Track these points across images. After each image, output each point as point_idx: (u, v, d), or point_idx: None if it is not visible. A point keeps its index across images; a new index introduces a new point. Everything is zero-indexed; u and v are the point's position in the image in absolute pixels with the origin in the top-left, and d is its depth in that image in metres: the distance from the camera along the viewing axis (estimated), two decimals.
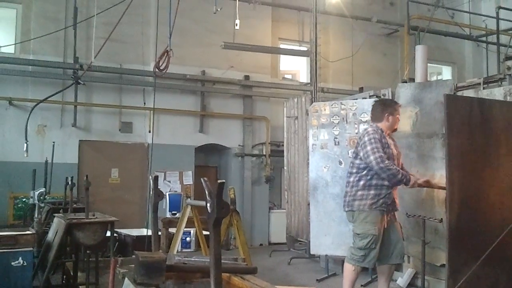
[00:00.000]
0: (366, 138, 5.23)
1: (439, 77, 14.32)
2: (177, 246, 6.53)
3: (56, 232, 5.93)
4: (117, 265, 3.16)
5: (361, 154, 5.21)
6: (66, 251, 6.47)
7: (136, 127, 10.76)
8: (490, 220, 5.15)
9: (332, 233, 7.17)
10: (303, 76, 12.89)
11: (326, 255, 7.80)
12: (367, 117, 6.69)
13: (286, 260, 8.96)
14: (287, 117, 9.57)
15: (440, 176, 6.24)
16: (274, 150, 11.65)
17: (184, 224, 6.61)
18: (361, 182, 5.24)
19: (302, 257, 9.13)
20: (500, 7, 11.95)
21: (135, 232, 8.23)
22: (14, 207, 9.45)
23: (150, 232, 6.43)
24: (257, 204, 11.53)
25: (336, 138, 7.34)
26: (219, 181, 2.28)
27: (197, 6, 10.42)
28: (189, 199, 7.10)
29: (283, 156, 9.87)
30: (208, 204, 2.27)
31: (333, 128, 7.48)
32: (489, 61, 13.37)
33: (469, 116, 5.13)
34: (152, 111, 9.84)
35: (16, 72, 9.75)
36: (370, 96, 7.85)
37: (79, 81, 9.15)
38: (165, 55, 6.56)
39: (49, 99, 9.24)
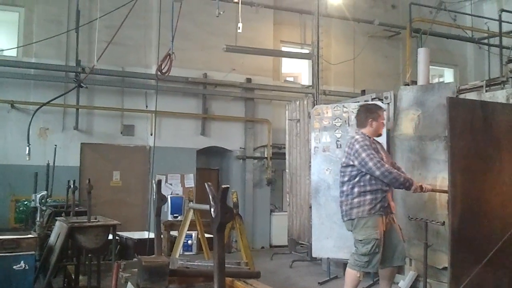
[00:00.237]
0: (357, 146, 5.23)
1: (441, 80, 14.30)
2: (179, 249, 6.53)
3: (58, 236, 5.94)
4: (120, 269, 3.16)
5: (356, 162, 5.21)
6: (67, 254, 6.47)
7: (138, 130, 10.76)
8: (492, 223, 5.13)
9: (334, 236, 7.17)
10: (305, 79, 12.89)
11: (328, 258, 7.78)
12: None
13: (288, 263, 8.94)
14: (289, 119, 9.56)
15: (442, 179, 6.24)
16: (276, 152, 11.65)
17: (186, 228, 6.62)
18: (356, 190, 5.25)
19: (304, 260, 9.12)
20: (503, 10, 11.94)
21: (136, 235, 8.24)
22: (16, 210, 9.45)
23: (152, 235, 6.45)
24: (259, 206, 11.52)
25: (338, 140, 7.34)
26: (223, 186, 2.28)
27: (199, 9, 10.44)
28: (191, 202, 7.09)
29: (284, 159, 9.87)
30: (212, 209, 2.27)
31: (335, 131, 7.48)
32: (491, 63, 13.36)
33: (472, 119, 5.13)
34: (154, 114, 9.86)
35: (18, 75, 9.76)
36: (372, 99, 7.85)
37: (82, 84, 9.15)
38: (168, 58, 6.57)
39: (51, 102, 9.24)
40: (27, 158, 8.81)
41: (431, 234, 5.85)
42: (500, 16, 11.83)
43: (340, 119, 7.44)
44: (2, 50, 10.03)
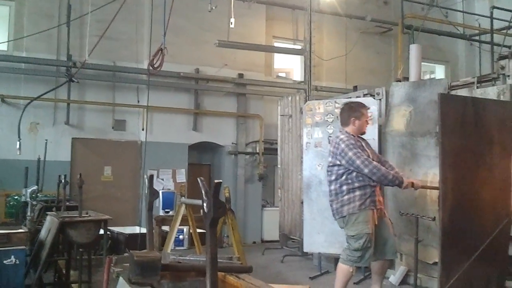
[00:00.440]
0: (343, 145, 5.26)
1: (432, 76, 14.36)
2: (171, 244, 6.53)
3: (49, 230, 5.90)
4: (112, 264, 3.15)
5: (344, 161, 5.24)
6: (58, 249, 6.44)
7: (130, 125, 10.72)
8: (482, 219, 5.18)
9: (325, 231, 7.18)
10: (297, 75, 12.90)
11: (319, 253, 7.81)
12: None
13: (279, 258, 8.97)
14: (281, 115, 9.57)
15: (433, 175, 6.27)
16: (268, 148, 11.66)
17: (178, 223, 6.62)
18: (344, 187, 5.28)
19: (295, 255, 9.15)
20: (494, 7, 11.99)
21: (128, 230, 8.21)
22: (6, 205, 9.38)
23: (143, 230, 6.44)
24: (250, 202, 11.54)
25: (330, 136, 7.35)
26: (216, 181, 2.27)
27: (192, 4, 10.42)
28: (183, 197, 7.09)
29: (276, 154, 9.88)
30: (205, 204, 2.27)
31: (327, 126, 7.49)
32: (482, 60, 13.42)
33: (463, 115, 5.16)
34: (145, 109, 9.83)
35: (9, 69, 9.71)
36: (364, 95, 7.86)
37: (73, 78, 9.10)
38: (159, 52, 6.55)
39: (42, 96, 9.19)
40: (18, 153, 8.79)
41: (421, 229, 5.88)
42: (491, 13, 11.88)
43: (332, 115, 7.44)
44: None
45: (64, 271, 6.00)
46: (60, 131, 10.08)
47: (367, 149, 5.41)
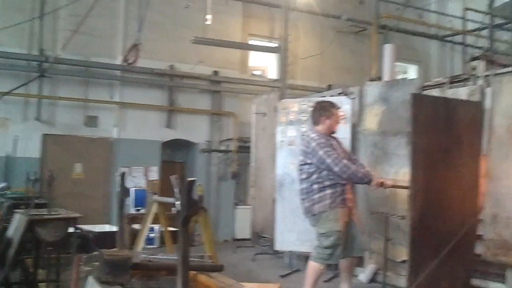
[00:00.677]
0: (313, 144, 5.31)
1: (405, 76, 14.52)
2: (142, 242, 6.48)
3: (17, 228, 5.80)
4: (80, 263, 3.11)
5: (315, 160, 5.29)
6: (26, 247, 6.32)
7: (102, 122, 10.57)
8: (451, 218, 5.27)
9: (296, 229, 7.22)
10: (272, 73, 12.90)
11: (290, 251, 7.84)
12: None
13: (250, 256, 8.96)
14: (255, 113, 9.56)
15: (404, 173, 6.34)
16: (242, 146, 11.63)
17: (150, 221, 6.57)
18: (315, 186, 5.33)
19: (266, 253, 9.15)
20: (467, 8, 12.19)
21: (98, 228, 8.13)
22: None
23: (113, 229, 6.39)
24: (223, 200, 11.51)
25: (304, 135, 7.37)
26: (189, 179, 2.26)
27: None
28: (155, 195, 7.03)
29: (249, 152, 9.87)
30: (178, 202, 2.25)
31: (301, 125, 7.52)
32: (454, 61, 13.63)
33: (434, 115, 5.23)
34: (118, 106, 9.71)
35: None
36: (339, 94, 7.91)
37: (44, 74, 8.93)
38: (134, 48, 6.49)
39: (12, 92, 8.99)
40: None
41: (391, 228, 5.95)
42: (464, 14, 12.07)
43: (306, 114, 7.46)
44: None
45: (31, 270, 5.89)
46: (31, 127, 9.87)
47: (338, 148, 5.45)
